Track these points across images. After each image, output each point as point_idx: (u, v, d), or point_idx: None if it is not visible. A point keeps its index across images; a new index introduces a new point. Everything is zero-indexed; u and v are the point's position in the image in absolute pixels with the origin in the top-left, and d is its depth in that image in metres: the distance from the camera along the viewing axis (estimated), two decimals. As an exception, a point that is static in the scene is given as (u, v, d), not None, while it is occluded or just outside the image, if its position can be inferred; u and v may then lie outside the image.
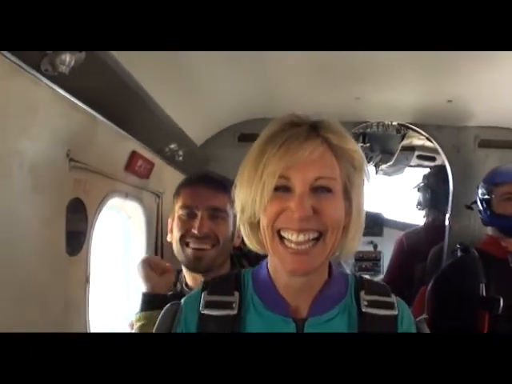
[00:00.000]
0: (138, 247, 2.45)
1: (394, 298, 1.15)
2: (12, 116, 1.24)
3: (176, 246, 1.69)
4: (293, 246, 1.01)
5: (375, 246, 5.59)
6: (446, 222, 3.15)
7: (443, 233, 3.17)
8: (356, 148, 1.07)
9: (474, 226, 2.99)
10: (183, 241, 1.67)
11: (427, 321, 2.37)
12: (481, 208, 2.46)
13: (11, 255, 1.30)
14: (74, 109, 1.46)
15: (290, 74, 2.25)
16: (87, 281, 1.78)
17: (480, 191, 2.45)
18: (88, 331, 1.81)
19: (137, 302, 2.37)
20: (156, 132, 2.02)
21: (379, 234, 5.64)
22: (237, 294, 1.11)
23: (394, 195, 6.31)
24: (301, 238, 1.00)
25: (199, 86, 2.18)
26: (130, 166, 1.97)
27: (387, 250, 5.14)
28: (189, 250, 1.66)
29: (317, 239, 1.01)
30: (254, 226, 1.09)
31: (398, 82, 2.41)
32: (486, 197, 2.40)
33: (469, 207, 2.65)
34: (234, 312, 1.09)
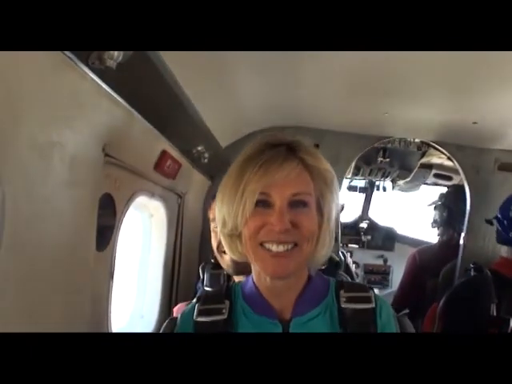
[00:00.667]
0: (157, 246, 2.46)
1: (371, 293, 1.24)
2: (58, 107, 1.25)
3: None
4: (273, 251, 1.11)
5: (385, 260, 5.59)
6: (461, 241, 3.15)
7: (456, 251, 3.17)
8: (328, 168, 1.19)
9: (488, 247, 3.00)
10: None
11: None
12: (505, 227, 2.42)
13: (45, 246, 1.31)
14: (114, 104, 1.47)
15: (323, 84, 2.26)
16: (111, 277, 1.79)
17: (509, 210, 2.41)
18: (109, 327, 1.82)
19: (152, 300, 2.41)
20: (187, 132, 2.04)
21: (390, 248, 5.64)
22: (227, 302, 1.23)
23: (408, 211, 6.31)
24: (280, 248, 1.11)
25: (232, 88, 2.19)
26: (159, 165, 1.98)
27: (397, 264, 5.15)
28: None
29: (294, 246, 1.11)
30: (235, 237, 1.18)
31: (426, 100, 2.41)
32: None
33: (489, 221, 2.63)
34: (225, 317, 1.20)
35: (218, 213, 1.19)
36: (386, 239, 5.65)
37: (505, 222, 2.43)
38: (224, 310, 1.21)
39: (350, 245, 5.60)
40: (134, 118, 1.62)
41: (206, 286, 2.02)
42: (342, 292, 1.23)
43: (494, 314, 2.27)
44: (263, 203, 1.11)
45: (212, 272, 2.05)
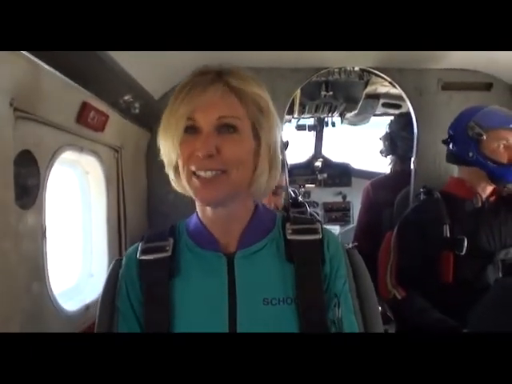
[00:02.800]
0: (98, 203, 2.39)
1: (318, 225, 1.25)
2: None
3: None
4: (201, 178, 1.11)
5: (344, 197, 5.62)
6: (412, 167, 3.15)
7: (409, 179, 3.17)
8: (260, 92, 1.16)
9: (439, 170, 2.99)
10: None
11: (393, 265, 2.42)
12: (466, 145, 2.35)
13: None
14: (17, 55, 1.39)
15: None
16: (44, 235, 1.73)
17: (471, 129, 2.33)
18: (48, 285, 1.78)
19: (100, 258, 2.36)
20: (108, 82, 1.95)
21: (348, 184, 5.67)
22: (171, 239, 1.23)
23: (361, 145, 6.33)
24: (208, 174, 1.10)
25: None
26: (81, 117, 1.90)
27: (356, 199, 5.16)
28: None
29: (222, 173, 1.11)
30: (177, 170, 1.18)
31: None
32: (481, 138, 2.29)
33: (445, 142, 2.55)
34: (168, 254, 1.20)
35: (161, 147, 1.18)
36: (342, 175, 5.67)
37: (456, 139, 2.40)
38: (168, 248, 1.21)
39: (306, 185, 5.60)
40: (42, 69, 1.54)
41: None
42: (288, 224, 1.23)
43: (448, 235, 2.29)
44: (191, 130, 1.11)
45: None
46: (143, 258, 1.21)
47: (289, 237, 1.21)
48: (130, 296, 1.21)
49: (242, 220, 1.22)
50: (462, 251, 2.23)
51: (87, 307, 2.12)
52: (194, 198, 1.17)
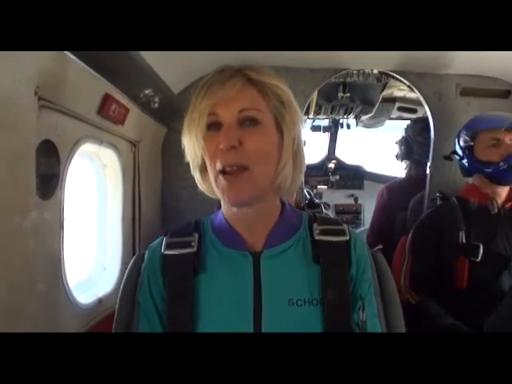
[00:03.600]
0: (114, 197, 2.39)
1: (345, 226, 1.25)
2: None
3: None
4: (227, 175, 1.10)
5: (356, 199, 5.61)
6: (427, 172, 3.13)
7: (424, 183, 3.16)
8: (280, 85, 1.16)
9: (454, 176, 2.98)
10: None
11: (407, 269, 2.41)
12: (462, 156, 2.44)
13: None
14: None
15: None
16: (61, 226, 1.72)
17: (462, 139, 2.42)
18: (63, 277, 1.77)
19: (114, 252, 2.36)
20: (130, 75, 1.94)
21: (360, 187, 5.65)
22: (196, 234, 1.22)
23: (375, 148, 6.31)
24: (231, 170, 1.10)
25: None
26: (103, 109, 1.89)
27: (368, 202, 5.17)
28: None
29: (245, 170, 1.10)
30: (203, 171, 1.20)
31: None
32: (469, 144, 2.37)
33: (447, 157, 2.64)
34: (194, 250, 1.19)
35: (185, 146, 1.19)
36: (354, 178, 5.66)
37: (462, 152, 2.43)
38: (193, 243, 1.20)
39: (318, 186, 5.59)
40: (69, 59, 1.53)
41: None
42: (315, 225, 1.23)
43: (463, 241, 2.28)
44: (215, 126, 1.11)
45: None
46: (168, 252, 1.20)
47: (316, 237, 1.20)
48: (152, 290, 1.21)
49: (268, 219, 1.21)
50: (477, 257, 2.22)
51: (100, 301, 2.11)
52: (221, 198, 1.17)
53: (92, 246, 2.34)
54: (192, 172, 1.22)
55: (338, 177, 5.59)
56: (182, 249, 1.20)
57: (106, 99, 1.89)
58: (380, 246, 3.32)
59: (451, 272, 2.29)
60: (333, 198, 5.61)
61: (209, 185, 1.19)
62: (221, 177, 1.11)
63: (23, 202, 1.44)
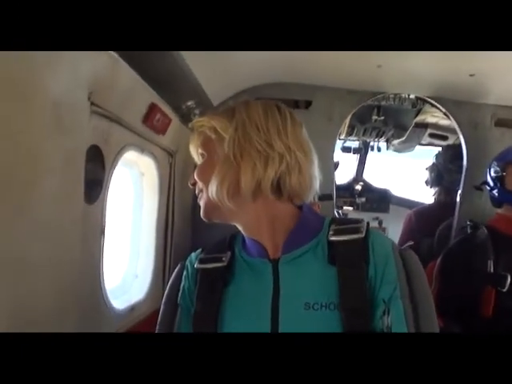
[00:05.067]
0: (149, 206, 2.41)
1: (362, 224, 1.20)
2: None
3: None
4: None
5: (380, 222, 5.55)
6: (457, 199, 3.12)
7: (452, 210, 3.15)
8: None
9: (484, 205, 2.95)
10: None
11: (434, 295, 2.40)
12: (492, 186, 2.45)
13: (30, 194, 1.26)
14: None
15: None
16: (102, 232, 1.75)
17: (492, 169, 2.44)
18: (102, 282, 1.79)
19: (146, 260, 2.38)
20: (176, 85, 1.97)
21: (385, 210, 5.59)
22: (228, 252, 1.26)
23: (403, 173, 6.28)
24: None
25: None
26: (148, 118, 1.92)
27: (392, 226, 5.11)
28: None
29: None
30: None
31: (422, 52, 2.35)
32: (499, 174, 2.38)
33: (478, 188, 2.64)
34: (224, 264, 1.24)
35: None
36: (380, 201, 5.60)
37: (493, 183, 2.44)
38: (224, 259, 1.24)
39: (344, 207, 5.56)
40: (120, 65, 1.56)
41: None
42: (332, 226, 1.20)
43: (491, 270, 2.27)
44: None
45: None
46: (200, 266, 1.28)
47: (330, 238, 1.17)
48: (189, 297, 1.27)
49: (281, 223, 1.21)
50: (504, 288, 2.20)
51: (132, 308, 2.12)
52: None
53: (125, 253, 2.35)
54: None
55: (364, 199, 5.55)
56: (214, 263, 1.25)
57: (152, 108, 1.92)
58: (410, 243, 3.30)
59: (477, 300, 2.27)
60: None
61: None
62: None
63: (72, 207, 1.46)
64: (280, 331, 1.13)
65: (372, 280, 1.13)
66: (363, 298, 1.11)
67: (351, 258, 1.14)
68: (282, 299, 1.15)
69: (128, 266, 2.34)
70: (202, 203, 1.23)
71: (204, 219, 1.23)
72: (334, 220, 1.23)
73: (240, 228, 1.25)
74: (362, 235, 1.16)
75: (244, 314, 1.18)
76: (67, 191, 1.43)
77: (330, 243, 1.17)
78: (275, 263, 1.19)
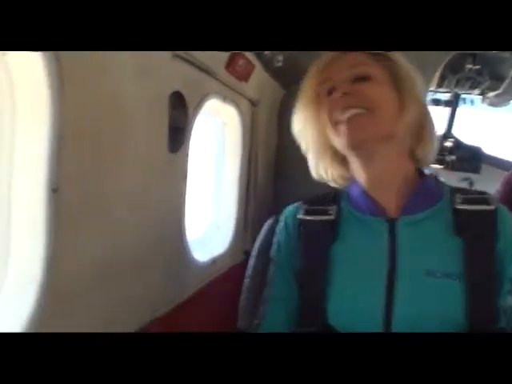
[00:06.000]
0: (231, 157, 2.37)
1: (490, 196, 1.13)
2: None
3: None
4: (344, 120, 1.06)
5: (470, 183, 5.23)
6: None
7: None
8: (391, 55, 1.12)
9: None
10: None
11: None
12: None
13: (117, 141, 1.26)
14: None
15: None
16: (185, 181, 1.73)
17: None
18: (184, 232, 1.78)
19: (228, 211, 2.35)
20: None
21: (476, 170, 5.27)
22: (334, 206, 1.18)
23: (498, 130, 5.93)
24: (352, 112, 1.05)
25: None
26: (231, 64, 1.85)
27: (484, 189, 4.85)
28: None
29: (365, 110, 1.06)
30: (316, 151, 1.19)
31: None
32: None
33: None
34: (332, 217, 1.16)
35: (297, 123, 1.19)
36: (472, 160, 5.28)
37: None
38: (331, 212, 1.17)
39: (433, 165, 5.32)
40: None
41: None
42: (458, 194, 1.13)
43: None
44: (328, 93, 1.11)
45: None
46: (306, 217, 1.19)
47: (458, 206, 1.10)
48: (287, 250, 1.20)
49: (404, 184, 1.13)
50: None
51: (214, 261, 2.11)
52: (344, 149, 1.12)
53: (207, 204, 2.34)
54: (306, 155, 1.21)
55: (454, 157, 5.26)
56: (321, 216, 1.17)
57: (235, 53, 1.85)
58: None
59: None
60: (446, 179, 5.27)
61: (324, 165, 1.20)
62: (338, 126, 1.08)
63: (156, 154, 1.44)
64: (396, 296, 1.06)
65: (501, 255, 1.08)
66: (490, 272, 1.07)
67: (481, 229, 1.08)
68: (400, 262, 1.09)
69: (210, 218, 2.33)
70: (359, 121, 1.06)
71: (355, 144, 1.09)
72: (456, 188, 1.17)
73: (360, 181, 1.17)
74: (493, 207, 1.10)
75: (357, 275, 1.11)
76: (151, 139, 1.42)
77: (457, 211, 1.10)
78: (391, 223, 1.11)
